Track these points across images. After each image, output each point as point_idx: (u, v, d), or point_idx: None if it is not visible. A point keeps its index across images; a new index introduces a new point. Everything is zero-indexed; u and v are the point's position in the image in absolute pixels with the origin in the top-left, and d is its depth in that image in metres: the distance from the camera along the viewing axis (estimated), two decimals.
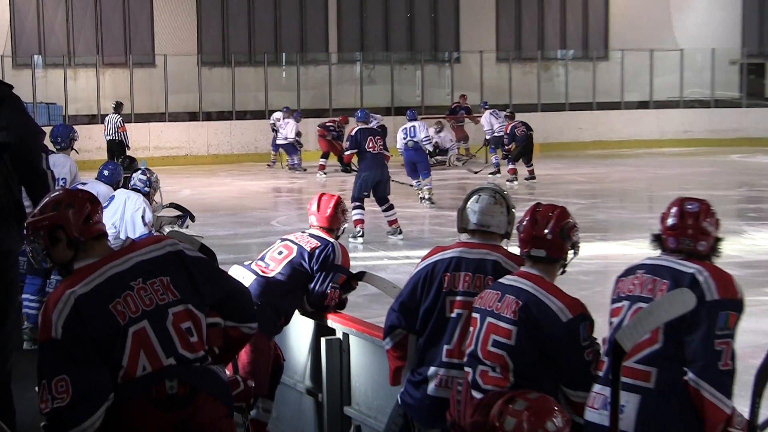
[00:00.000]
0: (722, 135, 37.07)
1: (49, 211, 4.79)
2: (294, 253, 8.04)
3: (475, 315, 5.65)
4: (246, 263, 8.20)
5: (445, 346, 5.77)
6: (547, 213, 5.64)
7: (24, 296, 10.27)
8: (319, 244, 8.07)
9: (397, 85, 36.33)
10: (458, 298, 5.79)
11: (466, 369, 5.58)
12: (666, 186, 26.31)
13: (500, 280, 5.68)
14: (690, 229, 5.20)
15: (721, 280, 5.02)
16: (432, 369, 5.79)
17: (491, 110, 30.46)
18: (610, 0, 39.98)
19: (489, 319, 5.53)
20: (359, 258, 15.14)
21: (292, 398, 8.43)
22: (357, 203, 17.68)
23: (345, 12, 37.27)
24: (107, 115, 28.47)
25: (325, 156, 28.85)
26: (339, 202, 8.43)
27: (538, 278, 5.53)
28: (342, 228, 8.45)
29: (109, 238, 9.06)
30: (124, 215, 10.35)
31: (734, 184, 26.59)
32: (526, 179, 25.65)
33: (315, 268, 7.97)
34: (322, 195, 8.52)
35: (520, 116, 35.24)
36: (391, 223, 17.65)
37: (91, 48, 34.52)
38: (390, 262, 15.87)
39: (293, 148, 30.19)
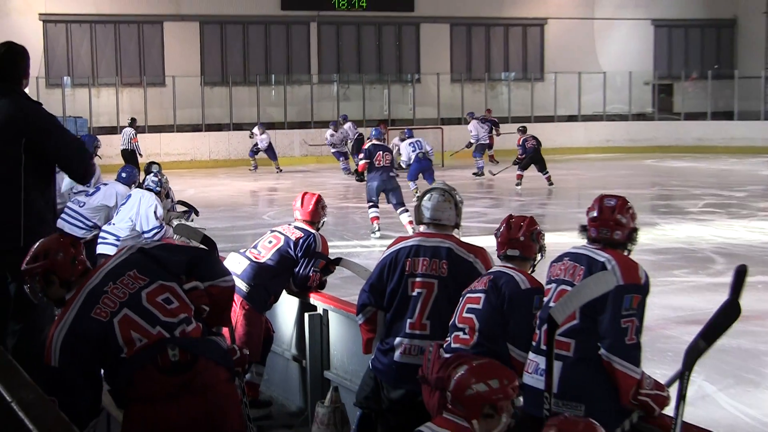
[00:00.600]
0: (638, 143, 37.23)
1: (41, 260, 4.90)
2: (281, 242, 8.07)
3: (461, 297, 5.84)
4: (241, 251, 8.22)
5: (408, 320, 5.83)
6: (520, 221, 5.91)
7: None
8: (303, 234, 8.11)
9: (367, 102, 36.34)
10: (418, 279, 5.85)
11: (448, 337, 5.66)
12: (591, 186, 26.31)
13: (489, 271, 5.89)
14: (608, 221, 5.25)
15: (626, 268, 5.08)
16: (398, 339, 5.84)
17: (479, 119, 31.16)
18: (545, 31, 40.06)
19: (467, 295, 5.73)
20: (378, 246, 15.27)
21: (280, 364, 8.43)
22: (371, 204, 17.70)
23: (324, 41, 37.28)
24: (124, 127, 28.50)
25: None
26: (319, 200, 8.47)
27: (511, 267, 5.74)
28: (322, 221, 8.47)
29: (126, 230, 9.06)
30: (139, 211, 10.31)
31: (648, 184, 26.65)
32: (548, 186, 25.40)
33: (299, 255, 8.00)
34: (305, 193, 8.55)
35: (466, 129, 35.56)
36: (408, 223, 17.42)
37: (111, 70, 34.43)
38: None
39: (273, 153, 30.82)
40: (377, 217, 17.50)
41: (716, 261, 14.82)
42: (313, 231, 8.20)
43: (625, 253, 5.25)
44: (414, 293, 5.84)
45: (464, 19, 38.83)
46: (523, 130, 26.42)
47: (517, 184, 24.99)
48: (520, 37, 40.03)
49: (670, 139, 37.41)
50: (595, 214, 5.31)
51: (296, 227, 8.23)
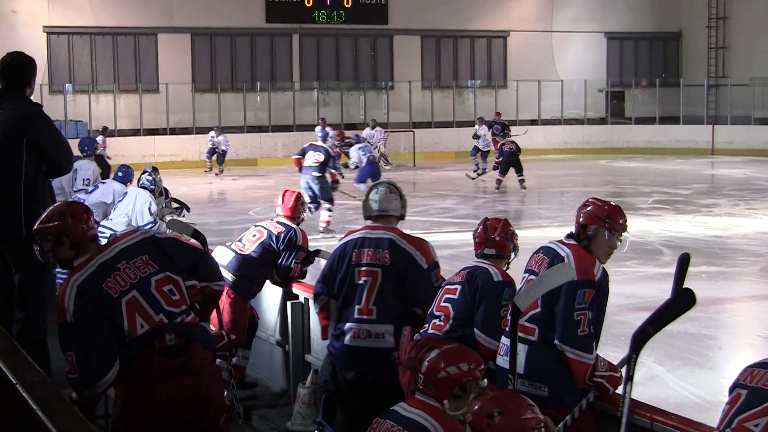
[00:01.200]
0: (593, 146, 37.39)
1: (55, 221, 4.84)
2: (264, 236, 8.10)
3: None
4: (227, 244, 8.23)
5: (356, 306, 5.86)
6: (495, 223, 6.05)
7: (57, 270, 10.20)
8: (284, 229, 8.15)
9: (345, 107, 36.37)
10: (363, 268, 5.87)
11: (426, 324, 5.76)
12: (550, 185, 26.45)
13: (465, 266, 5.96)
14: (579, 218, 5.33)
15: (581, 264, 5.10)
16: (348, 324, 5.87)
17: (490, 123, 30.42)
18: (508, 43, 40.11)
19: (446, 287, 5.84)
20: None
21: (265, 348, 8.41)
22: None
23: (305, 51, 37.22)
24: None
25: None
26: (299, 197, 8.52)
27: (488, 263, 5.82)
28: (301, 216, 8.47)
29: (123, 225, 9.01)
30: (134, 208, 10.31)
31: (602, 183, 26.76)
32: (520, 189, 24.50)
33: (281, 248, 8.03)
34: (285, 191, 8.58)
35: (441, 131, 35.63)
36: (325, 222, 17.31)
37: (109, 78, 34.33)
38: None
39: (222, 157, 30.57)
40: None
41: (664, 253, 14.88)
42: (294, 226, 8.23)
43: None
44: (360, 281, 5.85)
45: (434, 31, 38.82)
46: (503, 135, 25.87)
47: (497, 188, 24.81)
48: (485, 48, 40.06)
49: (622, 142, 37.58)
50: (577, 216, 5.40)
51: (278, 222, 8.26)
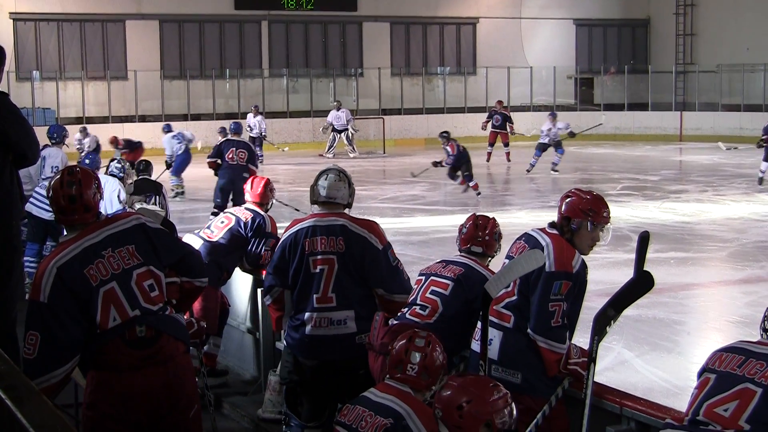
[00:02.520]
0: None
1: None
2: (233, 222, 8.10)
3: (420, 277, 6.05)
4: (196, 231, 8.23)
5: (315, 295, 5.81)
6: (486, 221, 6.14)
7: (25, 258, 10.18)
8: (252, 215, 8.13)
9: (315, 94, 36.23)
10: (318, 257, 5.81)
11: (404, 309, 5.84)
12: (520, 171, 26.48)
13: (445, 258, 6.10)
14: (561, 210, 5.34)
15: (559, 255, 5.14)
16: (307, 314, 5.83)
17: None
18: (477, 29, 40.09)
19: (432, 278, 5.93)
20: None
21: (236, 336, 8.41)
22: (215, 206, 16.12)
23: (274, 38, 37.09)
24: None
25: None
26: (268, 183, 8.50)
27: (474, 260, 5.95)
28: (271, 203, 8.48)
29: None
30: (103, 195, 10.26)
31: (571, 169, 26.78)
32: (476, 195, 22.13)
33: (250, 235, 8.03)
34: (254, 177, 8.60)
35: (410, 118, 35.60)
36: None
37: (77, 65, 34.12)
38: None
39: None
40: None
41: (633, 239, 14.83)
42: (263, 212, 8.20)
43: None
44: (317, 270, 5.81)
45: (403, 18, 38.78)
46: (446, 137, 21.52)
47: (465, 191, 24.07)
48: (454, 35, 40.04)
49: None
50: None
51: (247, 209, 8.26)
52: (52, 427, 3.16)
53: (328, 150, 31.16)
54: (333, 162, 29.10)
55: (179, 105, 33.99)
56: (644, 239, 5.34)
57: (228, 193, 15.88)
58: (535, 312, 5.11)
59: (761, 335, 4.36)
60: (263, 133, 28.98)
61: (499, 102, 30.93)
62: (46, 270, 4.63)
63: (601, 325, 4.79)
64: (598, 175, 25.56)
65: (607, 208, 5.35)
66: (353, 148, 31.41)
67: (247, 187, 8.44)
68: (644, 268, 4.93)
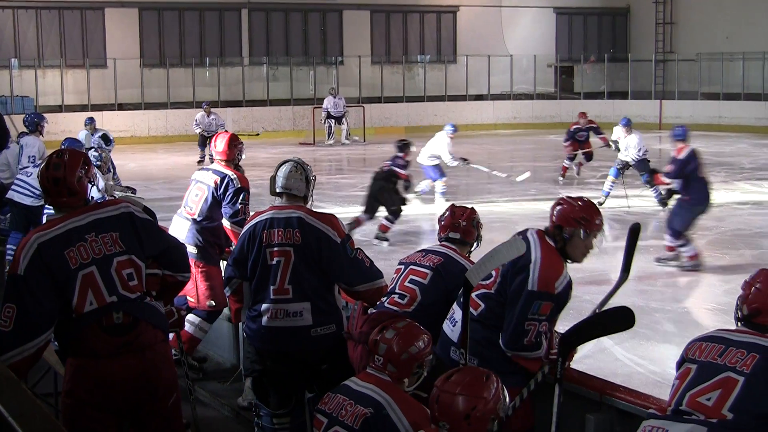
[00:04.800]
0: (542, 120, 37.50)
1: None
2: (206, 192, 8.18)
3: (400, 266, 6.05)
4: (178, 212, 8.23)
5: (272, 287, 5.78)
6: (462, 209, 6.19)
7: (8, 247, 10.17)
8: (220, 177, 8.19)
9: (295, 82, 36.15)
10: (275, 248, 5.77)
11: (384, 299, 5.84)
12: (500, 159, 26.52)
13: (424, 247, 6.17)
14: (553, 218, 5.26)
15: (545, 275, 5.03)
16: (264, 306, 5.79)
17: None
18: (458, 18, 40.08)
19: (411, 267, 5.93)
20: None
21: (215, 324, 8.38)
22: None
23: (255, 26, 37.00)
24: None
25: None
26: (231, 138, 8.51)
27: (453, 249, 5.95)
28: (238, 156, 8.50)
29: None
30: (94, 180, 10.21)
31: (551, 158, 26.82)
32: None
33: (221, 195, 8.06)
34: (219, 134, 8.68)
35: (390, 107, 35.53)
36: None
37: (56, 53, 33.96)
38: None
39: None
40: None
41: (613, 227, 14.98)
42: (228, 171, 8.25)
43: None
44: (273, 262, 5.77)
45: (383, 6, 38.77)
46: (405, 147, 16.51)
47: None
48: (434, 23, 40.02)
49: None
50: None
51: (213, 171, 8.31)
52: (31, 416, 3.15)
53: (328, 137, 31.22)
54: (332, 149, 29.17)
55: (159, 93, 33.87)
56: (635, 231, 5.36)
57: None
58: (509, 327, 5.02)
59: (736, 324, 4.38)
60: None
61: (583, 114, 24.05)
62: (27, 243, 4.64)
63: (566, 348, 4.79)
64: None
65: (600, 215, 5.26)
66: (349, 135, 31.47)
67: (212, 146, 8.56)
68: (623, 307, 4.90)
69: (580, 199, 5.33)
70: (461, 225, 6.08)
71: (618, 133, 19.27)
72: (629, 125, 18.82)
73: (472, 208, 6.24)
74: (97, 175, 10.63)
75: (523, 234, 5.32)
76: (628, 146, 18.52)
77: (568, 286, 5.14)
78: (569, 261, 5.22)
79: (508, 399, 4.04)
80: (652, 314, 10.56)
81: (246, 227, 6.04)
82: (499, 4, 40.46)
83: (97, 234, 4.73)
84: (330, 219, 5.87)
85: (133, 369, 4.69)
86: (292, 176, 5.96)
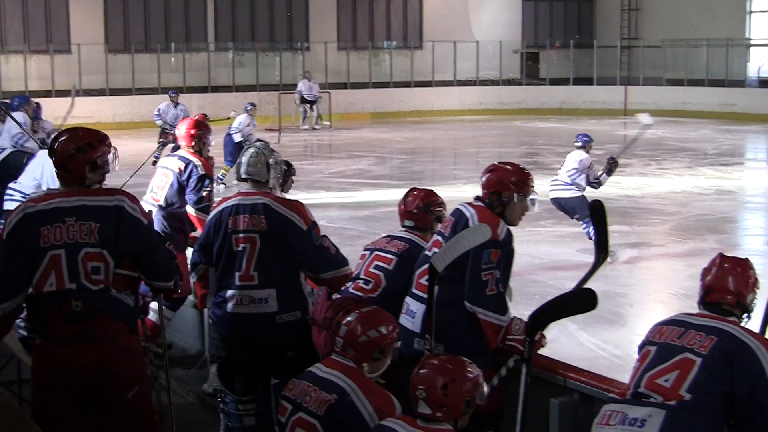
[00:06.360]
0: (508, 106, 37.56)
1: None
2: (171, 178, 8.21)
3: (365, 252, 6.08)
4: (144, 198, 8.21)
5: (237, 273, 5.74)
6: (414, 195, 6.13)
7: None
8: (184, 164, 8.24)
9: (261, 68, 35.99)
10: (240, 235, 5.74)
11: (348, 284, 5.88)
12: (466, 145, 26.61)
13: (390, 233, 6.15)
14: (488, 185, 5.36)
15: (484, 224, 5.11)
16: (230, 292, 5.77)
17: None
18: (424, 3, 39.97)
19: (376, 253, 5.96)
20: None
21: (180, 311, 8.36)
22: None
23: (220, 10, 36.74)
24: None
25: None
26: (195, 123, 8.55)
27: (418, 235, 5.98)
28: (203, 141, 8.49)
29: (31, 188, 8.88)
30: (44, 172, 10.03)
31: (517, 143, 26.96)
32: None
33: (184, 181, 8.07)
34: (184, 119, 8.70)
35: (357, 93, 35.46)
36: None
37: (19, 38, 33.59)
38: None
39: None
40: None
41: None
42: (193, 158, 8.27)
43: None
44: (239, 248, 5.74)
45: None
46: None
47: None
48: (400, 8, 39.90)
49: (537, 102, 37.82)
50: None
51: (179, 157, 8.35)
52: None
53: (303, 122, 31.15)
54: (298, 135, 29.09)
55: (124, 79, 33.62)
56: (596, 208, 5.40)
57: None
58: (468, 283, 5.13)
59: (699, 308, 4.43)
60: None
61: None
62: (18, 210, 4.76)
63: (533, 328, 4.83)
64: (543, 149, 25.65)
65: (532, 177, 5.43)
66: (320, 119, 31.44)
67: (177, 132, 8.57)
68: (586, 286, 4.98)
69: (511, 163, 5.50)
70: (413, 212, 6.08)
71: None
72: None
73: (428, 191, 6.21)
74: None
75: (454, 210, 5.45)
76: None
77: (509, 234, 5.26)
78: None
79: (486, 390, 4.08)
80: (615, 299, 10.63)
81: (212, 213, 6.02)
82: None
83: (78, 220, 4.72)
84: (296, 206, 5.83)
85: (90, 358, 4.69)
86: (252, 161, 5.92)
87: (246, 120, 19.68)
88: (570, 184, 12.57)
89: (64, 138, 4.93)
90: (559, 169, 13.00)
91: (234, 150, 18.80)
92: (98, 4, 34.83)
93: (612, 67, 39.09)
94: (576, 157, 12.80)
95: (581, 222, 12.58)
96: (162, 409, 6.20)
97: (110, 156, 5.00)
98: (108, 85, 33.36)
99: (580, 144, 13.09)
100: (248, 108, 20.13)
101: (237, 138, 19.12)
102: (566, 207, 12.62)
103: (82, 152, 4.87)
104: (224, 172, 18.75)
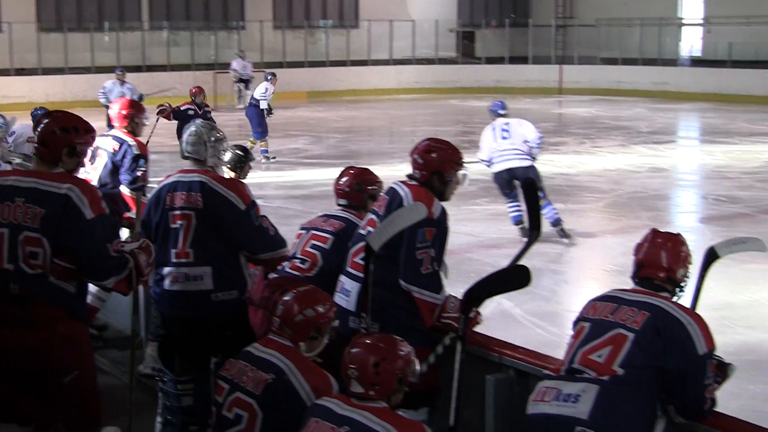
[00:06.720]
0: (444, 85, 37.61)
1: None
2: (105, 158, 8.25)
3: (301, 231, 6.04)
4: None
5: (173, 250, 5.70)
6: (347, 174, 6.14)
7: None
8: (118, 143, 8.31)
9: (196, 47, 35.72)
10: (177, 212, 5.69)
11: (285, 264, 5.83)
12: (402, 124, 26.64)
13: (326, 212, 6.11)
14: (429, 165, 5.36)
15: (419, 203, 5.15)
16: (167, 269, 5.72)
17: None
18: None
19: (312, 232, 5.91)
20: None
21: (115, 293, 8.25)
22: None
23: None
24: None
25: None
26: (129, 104, 8.60)
27: (354, 213, 5.95)
28: (136, 121, 8.54)
29: None
30: (85, 155, 9.98)
31: (453, 122, 27.00)
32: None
33: (120, 161, 8.06)
34: (117, 99, 8.72)
35: (293, 72, 35.31)
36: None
37: None
38: None
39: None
40: None
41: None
42: (127, 138, 8.30)
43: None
44: (176, 225, 5.70)
45: None
46: None
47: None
48: None
49: (472, 81, 37.90)
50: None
51: (113, 137, 8.38)
52: None
53: (238, 101, 30.93)
54: (233, 114, 28.91)
55: (56, 58, 33.19)
56: (528, 186, 5.45)
57: None
58: (404, 262, 5.13)
59: (633, 282, 4.49)
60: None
61: None
62: None
63: (468, 305, 4.85)
64: (479, 128, 25.44)
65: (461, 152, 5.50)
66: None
67: (110, 112, 8.59)
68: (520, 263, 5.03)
69: (443, 141, 5.55)
70: (348, 191, 6.07)
71: None
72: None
73: (361, 170, 6.22)
74: None
75: (388, 189, 5.48)
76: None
77: (444, 212, 5.27)
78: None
79: (418, 368, 4.10)
80: (550, 276, 10.73)
81: (153, 190, 5.98)
82: None
83: (26, 201, 4.70)
84: (235, 184, 5.80)
85: (25, 342, 4.67)
86: (194, 142, 5.86)
87: (270, 88, 20.08)
88: (528, 154, 12.40)
89: (53, 116, 4.95)
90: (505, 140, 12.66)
91: (260, 121, 19.58)
92: None
93: (547, 46, 39.33)
94: (531, 126, 12.64)
95: (509, 201, 12.47)
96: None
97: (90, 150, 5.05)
98: (40, 64, 32.92)
99: (506, 112, 13.06)
100: (269, 77, 20.48)
101: (263, 105, 19.59)
102: (522, 177, 11.97)
103: (64, 132, 4.85)
104: (251, 144, 18.97)
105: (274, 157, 19.27)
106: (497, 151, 12.49)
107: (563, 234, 12.31)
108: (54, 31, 33.94)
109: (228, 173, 6.90)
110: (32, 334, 4.68)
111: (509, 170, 12.22)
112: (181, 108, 15.78)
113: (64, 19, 34.41)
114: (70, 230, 4.73)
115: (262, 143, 19.42)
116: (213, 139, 5.88)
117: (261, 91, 19.94)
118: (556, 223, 12.22)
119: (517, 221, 12.26)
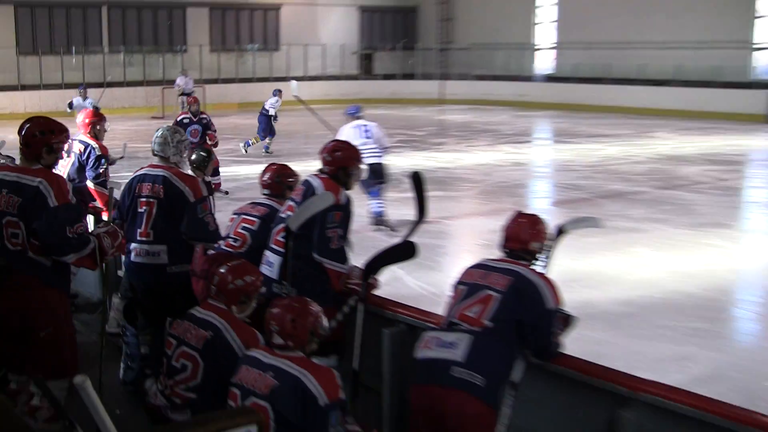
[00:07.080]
0: (348, 96, 36.81)
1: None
2: (73, 158, 8.10)
3: (234, 216, 6.02)
4: None
5: (138, 230, 5.68)
6: (270, 167, 6.21)
7: None
8: (84, 146, 8.18)
9: (147, 67, 35.21)
10: (143, 199, 5.67)
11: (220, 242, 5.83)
12: (315, 129, 26.40)
13: (253, 200, 6.09)
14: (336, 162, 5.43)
15: (329, 192, 5.19)
16: (133, 245, 5.71)
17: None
18: (280, 14, 39.47)
19: (243, 216, 5.91)
20: None
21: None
22: None
23: (113, 19, 35.64)
24: None
25: None
26: (90, 115, 8.46)
27: (277, 201, 5.98)
28: (97, 127, 8.39)
29: None
30: (62, 153, 9.74)
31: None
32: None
33: (85, 160, 7.97)
34: (84, 110, 8.59)
35: (226, 86, 34.94)
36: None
37: None
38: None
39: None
40: None
41: (403, 181, 15.08)
42: (92, 141, 8.18)
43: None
44: (141, 209, 5.68)
45: (220, 4, 37.94)
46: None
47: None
48: (262, 18, 39.41)
49: (372, 93, 37.87)
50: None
51: (79, 140, 8.28)
52: None
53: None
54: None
55: (33, 77, 32.54)
56: (415, 178, 5.50)
57: None
58: (317, 239, 5.16)
59: (501, 252, 4.55)
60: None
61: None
62: None
63: (368, 273, 4.92)
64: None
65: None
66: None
67: (77, 121, 8.43)
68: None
69: (345, 142, 5.74)
70: (268, 183, 6.12)
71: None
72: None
73: (281, 166, 6.26)
74: None
75: (303, 181, 5.51)
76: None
77: (349, 199, 5.32)
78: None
79: (326, 324, 4.11)
80: (435, 249, 10.79)
81: (128, 179, 5.92)
82: (314, 3, 40.15)
83: (9, 192, 4.71)
84: (192, 181, 5.75)
85: (7, 304, 4.72)
86: (159, 141, 5.83)
87: (279, 100, 21.15)
88: (382, 152, 12.27)
89: (33, 121, 4.88)
90: (389, 146, 12.84)
91: (266, 126, 20.50)
92: (10, 16, 33.44)
93: (431, 65, 39.64)
94: (379, 128, 12.55)
95: (371, 193, 12.03)
96: None
97: (65, 146, 4.99)
98: (20, 81, 32.18)
99: (362, 114, 12.85)
100: (276, 93, 21.28)
101: (271, 112, 20.38)
102: (381, 171, 11.96)
103: (43, 135, 4.80)
104: (254, 141, 20.41)
105: (271, 152, 20.19)
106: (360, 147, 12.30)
107: (384, 224, 11.92)
108: (30, 54, 33.20)
109: (192, 171, 6.85)
110: (13, 296, 4.70)
111: (371, 165, 11.83)
112: (178, 118, 15.19)
113: (39, 44, 33.64)
114: (37, 215, 4.70)
115: (267, 141, 20.47)
116: (176, 140, 5.86)
117: (272, 101, 20.64)
118: (380, 215, 11.95)
119: (378, 215, 11.97)
